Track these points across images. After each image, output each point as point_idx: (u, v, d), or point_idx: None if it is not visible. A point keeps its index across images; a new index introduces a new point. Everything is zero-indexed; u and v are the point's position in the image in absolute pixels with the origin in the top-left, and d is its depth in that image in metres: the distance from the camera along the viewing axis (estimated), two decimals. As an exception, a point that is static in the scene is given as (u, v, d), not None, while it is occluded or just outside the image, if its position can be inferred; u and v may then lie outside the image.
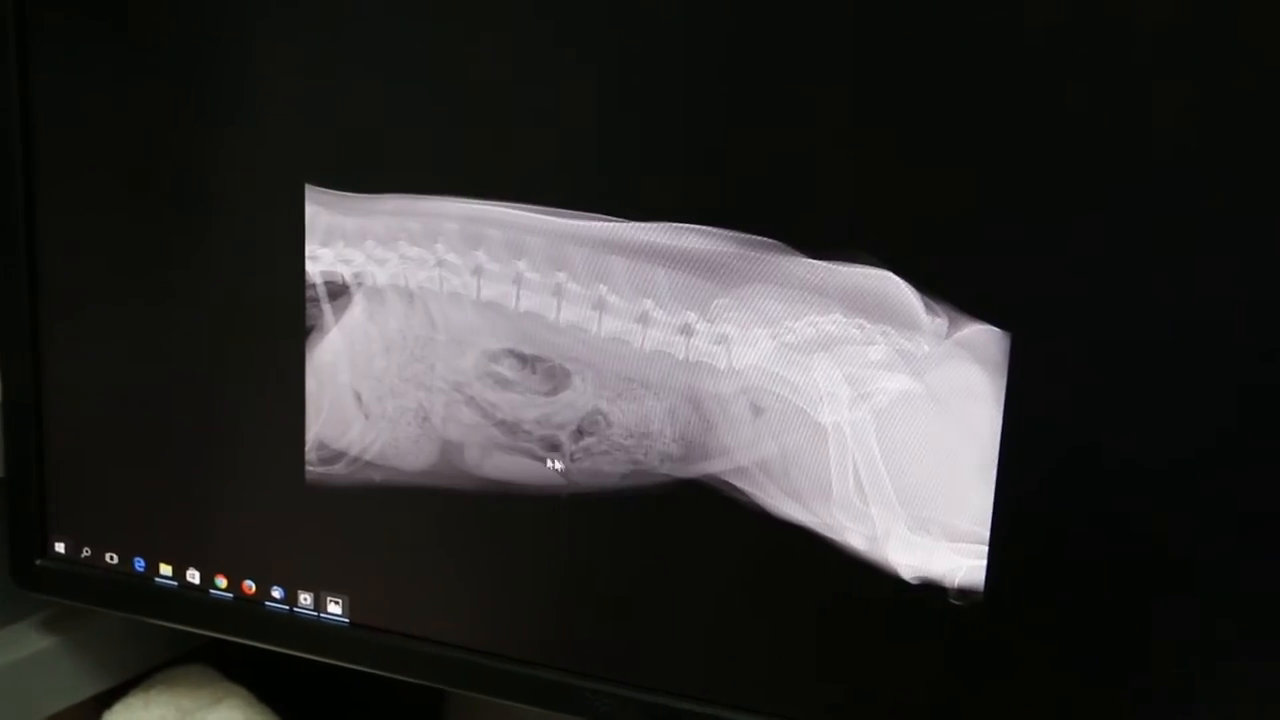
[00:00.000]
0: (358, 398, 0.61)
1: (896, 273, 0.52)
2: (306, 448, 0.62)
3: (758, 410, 0.55)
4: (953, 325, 0.52)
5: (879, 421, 0.54)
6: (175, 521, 0.65)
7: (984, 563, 0.53)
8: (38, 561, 0.67)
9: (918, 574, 0.54)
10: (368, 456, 0.61)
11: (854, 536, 0.55)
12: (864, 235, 0.52)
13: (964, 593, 0.54)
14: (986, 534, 0.53)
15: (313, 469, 0.62)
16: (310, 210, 0.59)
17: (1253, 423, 0.49)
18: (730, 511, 0.56)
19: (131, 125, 0.61)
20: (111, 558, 0.67)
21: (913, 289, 0.52)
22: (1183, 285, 0.49)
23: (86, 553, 0.67)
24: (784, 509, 0.55)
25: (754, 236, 0.54)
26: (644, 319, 0.56)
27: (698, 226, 0.54)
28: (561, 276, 0.56)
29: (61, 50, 0.62)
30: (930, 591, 0.54)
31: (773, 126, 0.53)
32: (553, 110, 0.55)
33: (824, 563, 0.55)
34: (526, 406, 0.58)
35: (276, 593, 0.64)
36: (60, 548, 0.67)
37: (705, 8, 0.52)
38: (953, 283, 0.52)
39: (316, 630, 0.64)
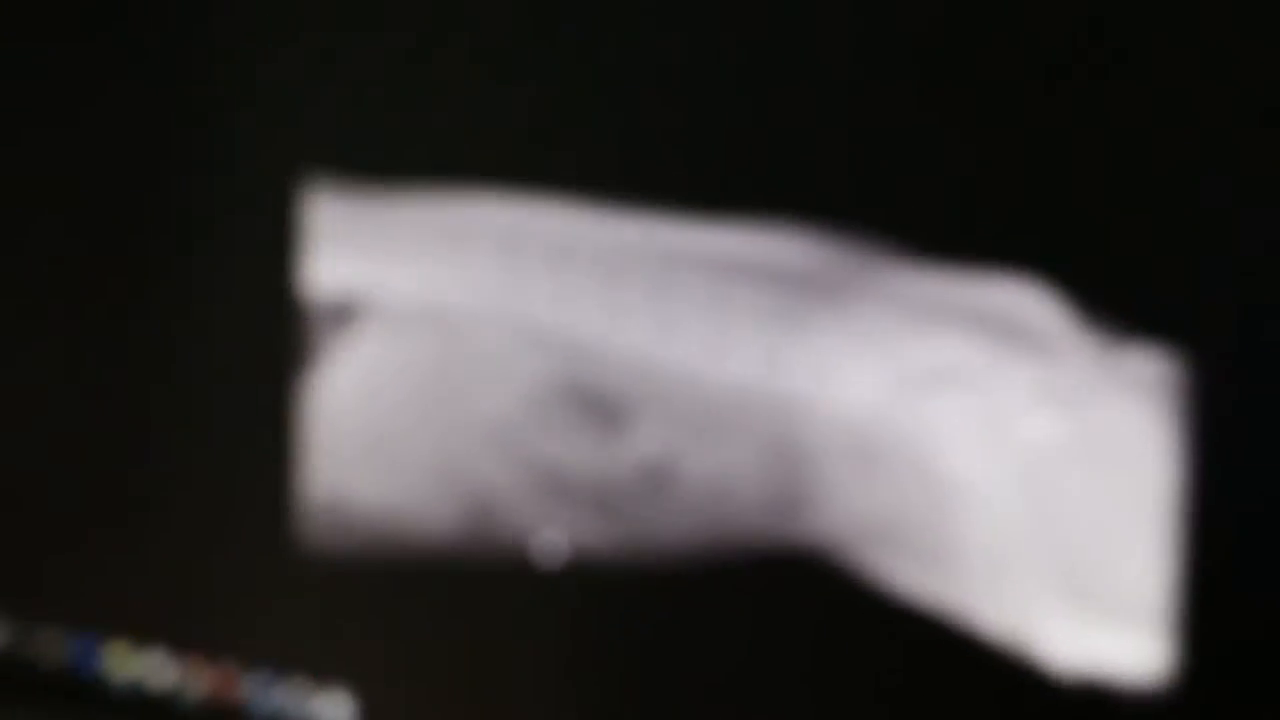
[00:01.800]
0: (367, 445, 0.57)
1: (1043, 287, 0.49)
2: (303, 508, 0.58)
3: (866, 459, 0.51)
4: (1114, 351, 0.48)
5: (1022, 473, 0.50)
6: (137, 597, 0.60)
7: (1167, 653, 0.48)
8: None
9: (1075, 667, 0.49)
10: (379, 518, 0.57)
11: (991, 619, 0.50)
12: (1003, 240, 0.49)
13: (1141, 692, 0.49)
14: (1169, 615, 0.48)
15: (309, 534, 0.58)
16: (310, 213, 0.57)
17: None
18: (830, 587, 0.52)
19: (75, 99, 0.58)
20: (52, 642, 0.61)
21: (1063, 307, 0.49)
22: None
23: (15, 634, 0.61)
24: (900, 584, 0.51)
25: (862, 241, 0.50)
26: (722, 346, 0.53)
27: (791, 228, 0.51)
28: (620, 294, 0.54)
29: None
30: (1093, 690, 0.49)
31: (889, 104, 0.49)
32: (610, 80, 0.52)
33: (953, 652, 0.50)
34: (577, 457, 0.55)
35: (262, 685, 0.59)
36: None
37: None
38: (1115, 298, 0.48)
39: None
